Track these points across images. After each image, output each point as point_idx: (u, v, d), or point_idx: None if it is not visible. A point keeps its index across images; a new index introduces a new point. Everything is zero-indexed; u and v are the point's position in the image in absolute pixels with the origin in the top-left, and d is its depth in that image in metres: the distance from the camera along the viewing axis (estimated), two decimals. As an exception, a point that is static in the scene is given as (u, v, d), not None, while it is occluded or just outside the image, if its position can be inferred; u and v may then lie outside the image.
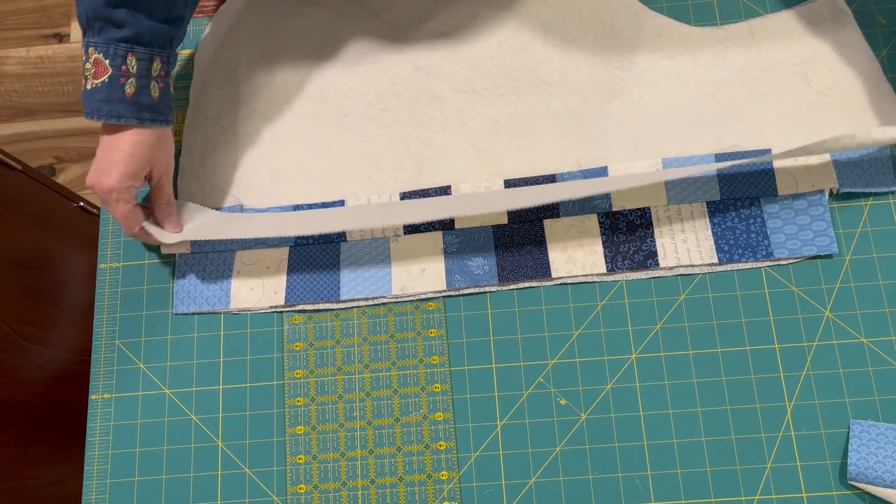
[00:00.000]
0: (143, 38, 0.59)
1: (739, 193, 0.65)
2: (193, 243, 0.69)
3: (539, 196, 0.63)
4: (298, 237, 0.68)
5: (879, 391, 0.61)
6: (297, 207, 0.69)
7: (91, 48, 0.59)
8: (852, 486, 0.59)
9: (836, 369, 0.61)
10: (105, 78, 0.59)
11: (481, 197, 0.66)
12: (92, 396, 0.66)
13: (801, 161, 0.65)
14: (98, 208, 1.05)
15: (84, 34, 0.59)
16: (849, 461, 0.58)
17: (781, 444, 0.60)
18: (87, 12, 0.58)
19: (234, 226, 0.67)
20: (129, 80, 0.60)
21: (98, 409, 0.66)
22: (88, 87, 0.59)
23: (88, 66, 0.59)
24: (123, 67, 0.59)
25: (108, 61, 0.59)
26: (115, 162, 0.61)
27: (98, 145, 0.62)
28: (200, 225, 0.67)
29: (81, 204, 1.06)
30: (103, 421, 0.65)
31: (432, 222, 0.67)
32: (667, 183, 0.66)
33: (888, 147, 0.65)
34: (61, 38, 1.51)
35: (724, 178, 0.66)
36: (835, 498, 0.59)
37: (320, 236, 0.68)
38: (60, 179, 1.43)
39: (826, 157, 0.65)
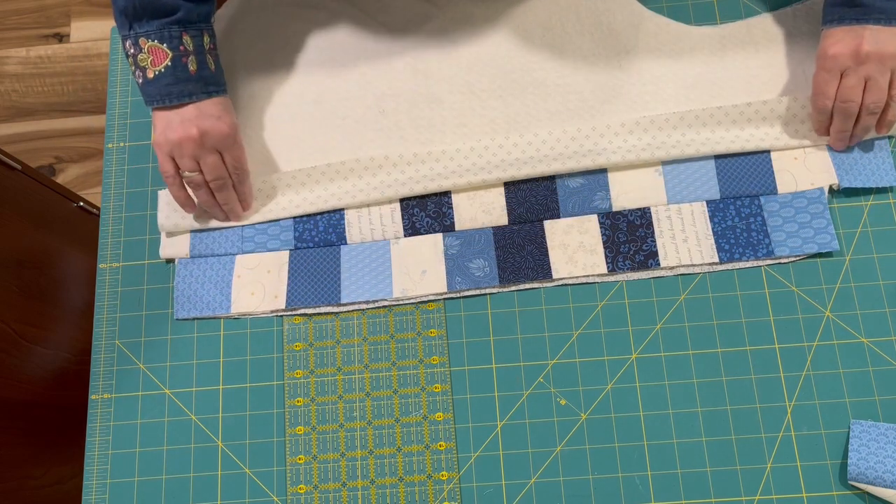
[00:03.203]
0: (192, 17, 0.63)
1: (739, 191, 0.65)
2: (192, 247, 0.69)
3: (538, 167, 0.66)
4: (298, 241, 0.68)
5: (879, 391, 0.61)
6: (296, 220, 0.68)
7: (142, 38, 0.62)
8: (852, 486, 0.59)
9: (836, 369, 0.61)
10: (167, 62, 0.62)
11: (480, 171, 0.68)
12: (92, 396, 0.66)
13: (800, 159, 0.65)
14: (98, 208, 1.05)
15: (129, 27, 0.62)
16: (849, 461, 0.58)
17: (781, 444, 0.60)
18: (135, 4, 0.61)
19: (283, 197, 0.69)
20: (190, 58, 0.63)
21: (98, 409, 0.66)
22: (150, 75, 0.62)
23: (143, 56, 0.62)
24: (182, 48, 0.62)
25: (165, 45, 0.62)
26: (219, 114, 0.64)
27: (163, 121, 0.64)
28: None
29: (81, 204, 1.06)
30: (103, 421, 0.65)
31: (433, 224, 0.67)
32: (667, 182, 0.66)
33: (887, 142, 0.65)
34: (61, 38, 1.51)
35: (723, 176, 0.66)
36: (835, 498, 0.59)
37: (320, 240, 0.68)
38: (60, 179, 1.43)
39: (825, 154, 0.65)
